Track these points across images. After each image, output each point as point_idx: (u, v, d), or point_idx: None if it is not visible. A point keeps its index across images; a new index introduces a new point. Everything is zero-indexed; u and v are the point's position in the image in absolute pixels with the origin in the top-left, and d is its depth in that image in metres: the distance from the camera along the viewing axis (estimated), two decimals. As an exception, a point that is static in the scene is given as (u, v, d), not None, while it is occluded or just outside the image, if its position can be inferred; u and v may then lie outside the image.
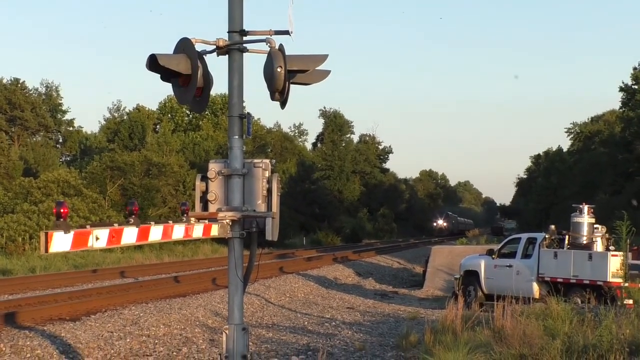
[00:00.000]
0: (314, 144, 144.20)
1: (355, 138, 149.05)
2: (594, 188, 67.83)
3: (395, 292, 39.41)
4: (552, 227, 31.05)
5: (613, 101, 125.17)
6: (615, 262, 27.40)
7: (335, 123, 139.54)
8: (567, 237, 29.50)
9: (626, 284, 26.87)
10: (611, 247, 28.37)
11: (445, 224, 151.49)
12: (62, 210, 10.82)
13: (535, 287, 29.37)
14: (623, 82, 78.94)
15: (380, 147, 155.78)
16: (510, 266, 30.77)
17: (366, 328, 24.43)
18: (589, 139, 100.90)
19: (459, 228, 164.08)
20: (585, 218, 29.09)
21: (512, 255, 31.18)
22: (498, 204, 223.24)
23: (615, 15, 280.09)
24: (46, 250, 10.31)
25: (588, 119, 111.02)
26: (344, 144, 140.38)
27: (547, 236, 30.31)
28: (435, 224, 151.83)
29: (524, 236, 32.29)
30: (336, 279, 42.02)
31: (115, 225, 11.42)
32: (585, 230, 29.00)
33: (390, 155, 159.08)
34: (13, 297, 28.13)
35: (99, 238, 11.02)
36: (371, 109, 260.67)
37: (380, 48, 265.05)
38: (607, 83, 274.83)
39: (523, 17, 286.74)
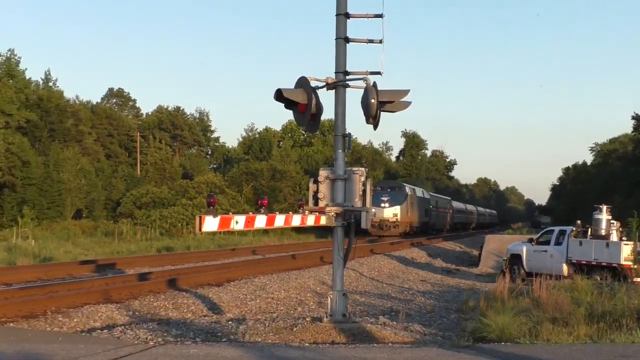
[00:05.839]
0: (397, 157, 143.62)
1: (429, 153, 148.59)
2: (611, 193, 66.58)
3: (458, 269, 39.02)
4: (579, 222, 30.63)
5: (626, 126, 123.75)
6: (627, 249, 27.04)
7: (413, 141, 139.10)
8: (589, 229, 29.10)
9: (635, 266, 26.54)
10: (624, 238, 27.95)
11: (395, 211, 61.75)
12: (211, 200, 11.10)
13: (565, 267, 28.94)
14: (634, 112, 79.51)
15: (447, 160, 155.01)
16: (545, 251, 30.39)
17: (435, 296, 24.25)
18: (608, 155, 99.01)
19: (460, 220, 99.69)
20: (604, 215, 28.69)
21: (547, 242, 30.78)
22: (536, 204, 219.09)
23: (631, 58, 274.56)
24: (200, 229, 10.56)
25: (607, 140, 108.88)
26: (419, 157, 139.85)
27: (574, 229, 29.95)
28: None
29: (557, 228, 31.87)
30: (413, 258, 41.74)
31: (250, 213, 11.60)
32: (604, 224, 28.59)
33: (455, 166, 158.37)
34: (174, 268, 28.52)
35: (238, 222, 11.22)
36: (441, 127, 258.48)
37: (450, 82, 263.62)
38: (622, 113, 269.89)
39: (561, 51, 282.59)
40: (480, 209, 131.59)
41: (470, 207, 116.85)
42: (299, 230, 61.98)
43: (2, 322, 14.33)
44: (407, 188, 65.84)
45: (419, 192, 71.65)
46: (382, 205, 60.30)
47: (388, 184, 67.40)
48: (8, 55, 79.61)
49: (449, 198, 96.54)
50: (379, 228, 59.78)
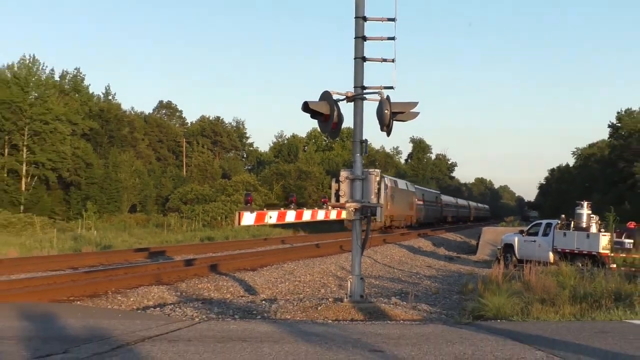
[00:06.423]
0: (406, 160, 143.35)
1: (433, 156, 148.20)
2: (590, 191, 66.49)
3: (458, 256, 38.84)
4: (563, 216, 30.54)
5: (604, 133, 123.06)
6: (604, 239, 26.99)
7: (420, 146, 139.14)
8: (572, 222, 28.99)
9: (612, 254, 26.43)
10: (602, 230, 27.81)
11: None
12: (248, 198, 11.13)
13: (551, 255, 28.81)
14: (610, 121, 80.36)
15: (449, 162, 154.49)
16: (534, 241, 30.26)
17: (439, 279, 24.17)
18: (587, 158, 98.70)
19: (450, 214, 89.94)
20: (584, 210, 28.59)
21: (535, 234, 30.62)
22: (526, 200, 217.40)
23: (608, 72, 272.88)
24: (239, 223, 10.56)
25: (586, 145, 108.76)
26: (425, 160, 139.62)
27: (559, 222, 29.85)
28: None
29: (544, 221, 31.72)
30: (419, 247, 41.62)
31: (282, 209, 11.60)
32: (584, 218, 28.48)
33: (455, 167, 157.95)
34: (215, 255, 28.57)
35: (271, 217, 11.23)
36: (444, 134, 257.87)
37: (451, 94, 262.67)
38: (600, 121, 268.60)
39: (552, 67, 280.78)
40: (473, 203, 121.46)
41: (461, 201, 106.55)
42: (323, 222, 61.70)
43: (71, 301, 14.46)
44: (387, 179, 53.82)
45: (402, 184, 60.27)
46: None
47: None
48: (75, 72, 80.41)
49: (439, 192, 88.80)
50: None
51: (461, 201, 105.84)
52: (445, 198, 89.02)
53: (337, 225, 49.23)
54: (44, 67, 70.12)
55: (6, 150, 65.52)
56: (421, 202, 67.98)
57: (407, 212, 60.46)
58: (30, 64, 68.27)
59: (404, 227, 57.39)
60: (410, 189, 63.15)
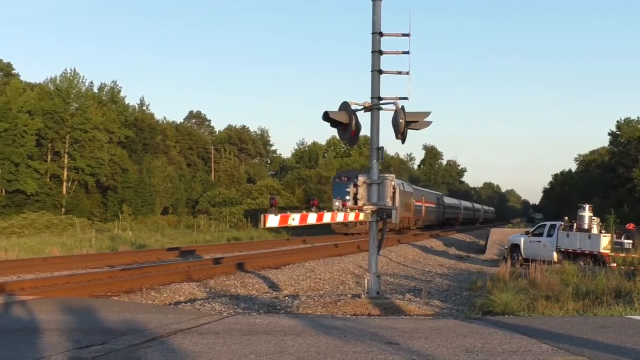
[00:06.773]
0: (419, 166, 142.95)
1: (444, 162, 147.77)
2: (591, 195, 66.04)
3: (468, 256, 38.63)
4: (566, 218, 30.32)
5: (604, 140, 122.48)
6: (605, 240, 26.76)
7: (432, 153, 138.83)
8: (575, 224, 28.78)
9: (612, 254, 26.19)
10: (603, 231, 27.59)
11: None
12: (273, 202, 11.15)
13: (555, 254, 28.61)
14: (610, 129, 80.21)
15: (459, 168, 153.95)
16: (539, 241, 30.05)
17: (450, 277, 24.04)
18: (589, 164, 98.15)
19: (452, 216, 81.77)
20: (586, 213, 28.38)
21: (540, 234, 30.43)
22: (531, 203, 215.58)
23: (608, 83, 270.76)
24: (264, 225, 10.58)
25: (588, 151, 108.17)
26: (437, 166, 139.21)
27: (562, 223, 29.64)
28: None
29: (548, 223, 31.52)
30: (431, 247, 41.43)
31: (304, 211, 11.62)
32: (586, 220, 28.26)
33: (465, 172, 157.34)
34: (241, 254, 28.58)
35: (294, 219, 11.25)
36: (455, 141, 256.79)
37: (461, 104, 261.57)
38: (601, 129, 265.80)
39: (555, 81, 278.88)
40: (478, 205, 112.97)
41: (465, 203, 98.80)
42: (342, 224, 61.43)
43: (108, 296, 14.54)
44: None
45: (397, 184, 48.92)
46: (347, 198, 34.25)
47: (355, 174, 43.40)
48: (112, 85, 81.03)
49: (441, 193, 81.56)
50: (344, 225, 44.24)
51: (465, 203, 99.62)
52: (448, 200, 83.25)
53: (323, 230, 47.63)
54: (83, 80, 70.91)
55: (49, 157, 66.25)
56: (420, 204, 61.18)
57: (404, 213, 51.96)
58: (71, 77, 69.03)
59: (400, 230, 50.93)
60: (408, 189, 55.67)
